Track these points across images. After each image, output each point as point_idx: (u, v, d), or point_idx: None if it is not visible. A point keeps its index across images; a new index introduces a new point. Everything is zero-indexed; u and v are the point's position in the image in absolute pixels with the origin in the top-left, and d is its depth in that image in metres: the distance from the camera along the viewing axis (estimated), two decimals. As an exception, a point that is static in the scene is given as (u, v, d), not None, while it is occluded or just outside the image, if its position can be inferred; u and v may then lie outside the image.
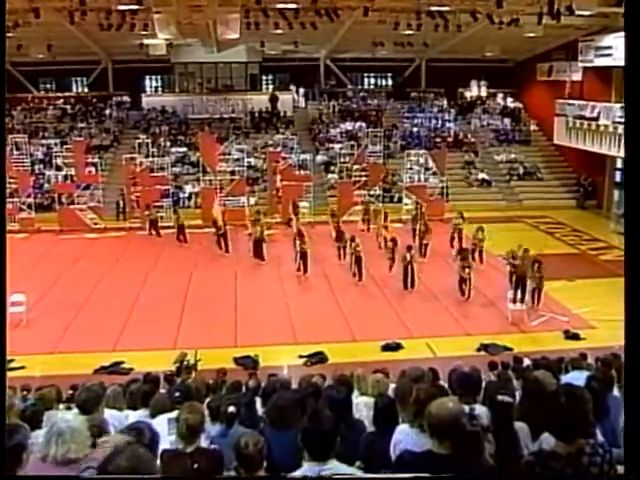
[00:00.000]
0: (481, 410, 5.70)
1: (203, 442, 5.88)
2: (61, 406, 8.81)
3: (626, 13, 5.85)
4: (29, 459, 4.38)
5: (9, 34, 31.17)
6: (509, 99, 44.44)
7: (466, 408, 4.87)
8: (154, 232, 29.05)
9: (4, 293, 5.64)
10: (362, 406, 7.09)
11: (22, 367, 16.13)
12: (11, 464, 4.13)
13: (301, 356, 16.80)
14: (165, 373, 12.49)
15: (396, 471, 4.45)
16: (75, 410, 6.80)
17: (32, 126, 40.05)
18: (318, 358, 16.64)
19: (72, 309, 20.32)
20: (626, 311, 4.35)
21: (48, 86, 45.44)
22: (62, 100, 43.51)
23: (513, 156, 39.73)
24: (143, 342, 17.79)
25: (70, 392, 10.65)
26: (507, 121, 42.71)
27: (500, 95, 44.74)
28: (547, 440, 4.77)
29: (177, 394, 7.73)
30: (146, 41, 36.33)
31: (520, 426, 5.13)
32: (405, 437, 5.18)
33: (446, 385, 7.01)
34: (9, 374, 15.38)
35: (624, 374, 4.43)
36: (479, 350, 17.05)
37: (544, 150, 40.25)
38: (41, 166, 36.28)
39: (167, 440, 6.10)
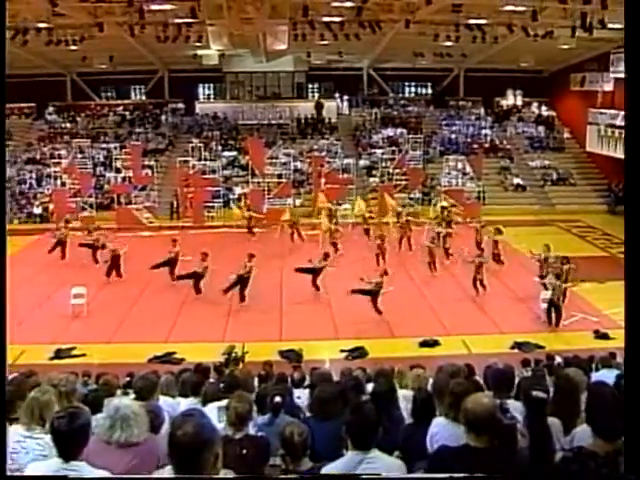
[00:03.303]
0: (514, 405, 5.68)
1: (251, 430, 5.92)
2: (118, 392, 8.91)
3: (626, 13, 5.74)
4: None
5: (75, 47, 31.79)
6: (543, 108, 43.99)
7: (497, 402, 4.85)
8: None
9: (4, 293, 5.71)
10: (401, 399, 7.08)
11: (83, 355, 16.40)
12: (77, 443, 4.21)
13: (342, 350, 16.79)
14: (214, 364, 12.56)
15: (434, 465, 4.44)
16: (132, 396, 6.89)
17: (94, 131, 40.76)
18: (358, 353, 16.61)
19: (128, 302, 20.60)
20: (626, 312, 4.30)
21: (109, 94, 46.12)
22: (121, 107, 44.21)
23: (547, 162, 39.31)
24: (194, 334, 17.94)
25: (127, 379, 10.76)
26: (541, 129, 42.32)
27: (535, 104, 44.34)
28: (579, 436, 4.73)
29: (225, 384, 7.79)
30: (200, 52, 36.78)
31: (552, 421, 5.08)
32: (441, 429, 5.18)
33: (481, 381, 6.98)
34: (72, 360, 15.76)
35: (624, 374, 4.37)
36: (512, 348, 16.87)
37: (577, 157, 39.77)
38: (102, 168, 36.82)
39: (217, 427, 6.14)
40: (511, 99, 44.92)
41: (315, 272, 21.37)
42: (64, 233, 25.81)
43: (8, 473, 4.83)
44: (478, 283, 20.82)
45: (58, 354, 16.37)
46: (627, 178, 4.64)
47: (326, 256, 21.86)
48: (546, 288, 19.63)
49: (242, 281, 20.36)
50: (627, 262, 4.49)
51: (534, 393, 5.04)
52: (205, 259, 21.15)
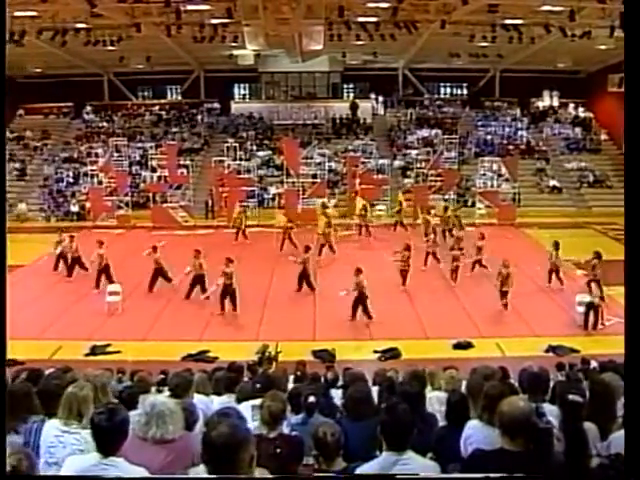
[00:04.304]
0: (549, 409, 5.62)
1: (284, 429, 5.93)
2: (152, 389, 8.99)
3: (626, 13, 5.66)
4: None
5: (112, 47, 32.19)
6: (580, 109, 43.52)
7: (533, 406, 4.81)
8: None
9: (4, 292, 5.76)
10: (435, 400, 7.03)
11: (118, 351, 16.54)
12: (116, 439, 4.27)
13: (376, 351, 16.73)
14: (248, 363, 12.59)
15: (469, 469, 4.42)
16: (167, 393, 6.95)
17: (130, 130, 41.20)
18: (392, 354, 16.52)
19: (162, 300, 20.74)
20: (626, 314, 4.24)
21: (145, 94, 46.69)
22: (158, 107, 44.65)
23: (583, 164, 38.91)
24: (227, 333, 18.03)
25: (161, 377, 10.83)
26: (578, 130, 41.88)
27: (571, 105, 43.88)
28: (616, 442, 4.66)
29: (260, 383, 7.81)
30: (235, 52, 37.00)
31: (589, 426, 5.03)
32: (475, 432, 5.15)
33: (516, 384, 6.93)
34: (106, 357, 15.91)
35: (624, 375, 4.31)
36: (547, 351, 16.65)
37: (614, 159, 39.23)
38: (138, 167, 37.20)
39: (251, 426, 6.18)
40: (547, 100, 44.51)
41: (304, 273, 21.36)
42: (66, 246, 23.63)
43: (44, 468, 4.91)
44: (503, 297, 19.57)
45: (93, 350, 16.53)
46: (627, 178, 4.60)
47: (307, 249, 21.67)
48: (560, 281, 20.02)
49: (227, 289, 19.44)
50: (627, 263, 4.45)
51: (570, 397, 5.00)
52: (198, 256, 20.69)
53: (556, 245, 21.98)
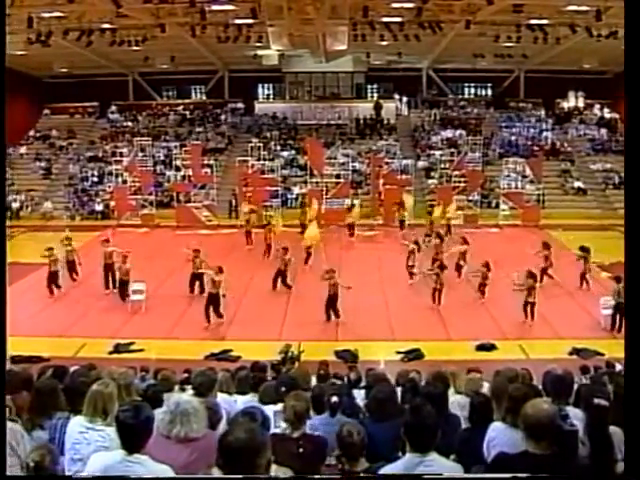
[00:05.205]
0: (573, 412, 5.58)
1: (307, 429, 5.93)
2: (176, 387, 9.02)
3: (626, 13, 5.59)
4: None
5: (137, 48, 32.42)
6: (606, 110, 43.08)
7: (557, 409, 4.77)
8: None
9: (4, 292, 5.79)
10: (456, 405, 6.95)
11: (141, 350, 16.62)
12: (141, 436, 4.30)
13: (398, 352, 16.67)
14: (271, 362, 12.60)
15: (492, 471, 4.39)
16: (190, 392, 6.98)
17: (155, 130, 41.45)
18: (414, 355, 16.44)
19: (186, 299, 20.78)
20: (626, 314, 4.19)
21: (170, 94, 47.00)
22: (182, 106, 44.90)
23: (609, 165, 38.46)
24: (250, 332, 18.02)
25: (185, 375, 10.86)
26: (603, 131, 41.49)
27: (597, 106, 43.49)
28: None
29: (284, 384, 7.79)
30: (260, 52, 37.18)
31: (614, 430, 4.97)
32: (499, 434, 5.12)
33: (539, 386, 6.89)
34: (130, 355, 15.99)
35: (624, 375, 4.25)
36: (571, 354, 16.50)
37: (641, 160, 38.90)
38: (162, 167, 37.38)
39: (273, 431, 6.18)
40: (573, 101, 44.17)
41: (281, 272, 21.34)
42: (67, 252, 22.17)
43: (69, 464, 4.95)
44: (529, 308, 18.65)
45: (117, 348, 16.61)
46: (627, 178, 4.56)
47: (285, 250, 21.47)
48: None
49: (213, 299, 18.79)
50: (627, 263, 4.40)
51: (596, 401, 4.95)
52: (197, 255, 20.74)
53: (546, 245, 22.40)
